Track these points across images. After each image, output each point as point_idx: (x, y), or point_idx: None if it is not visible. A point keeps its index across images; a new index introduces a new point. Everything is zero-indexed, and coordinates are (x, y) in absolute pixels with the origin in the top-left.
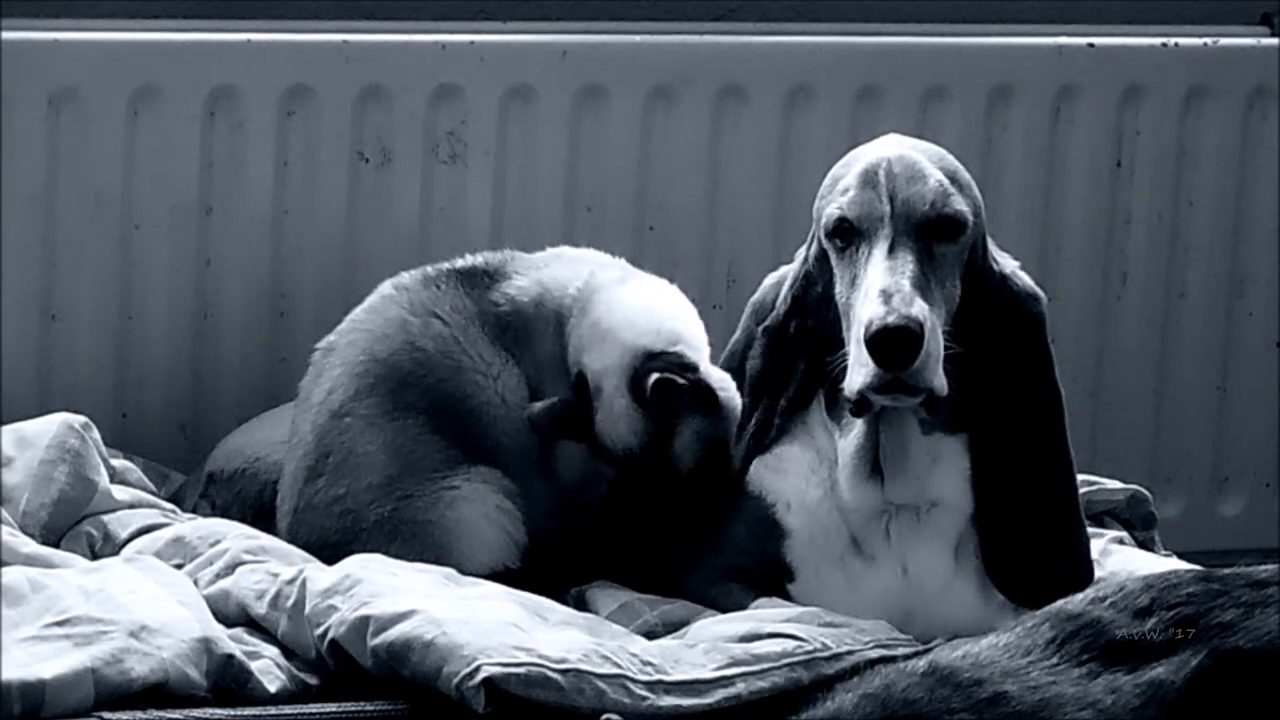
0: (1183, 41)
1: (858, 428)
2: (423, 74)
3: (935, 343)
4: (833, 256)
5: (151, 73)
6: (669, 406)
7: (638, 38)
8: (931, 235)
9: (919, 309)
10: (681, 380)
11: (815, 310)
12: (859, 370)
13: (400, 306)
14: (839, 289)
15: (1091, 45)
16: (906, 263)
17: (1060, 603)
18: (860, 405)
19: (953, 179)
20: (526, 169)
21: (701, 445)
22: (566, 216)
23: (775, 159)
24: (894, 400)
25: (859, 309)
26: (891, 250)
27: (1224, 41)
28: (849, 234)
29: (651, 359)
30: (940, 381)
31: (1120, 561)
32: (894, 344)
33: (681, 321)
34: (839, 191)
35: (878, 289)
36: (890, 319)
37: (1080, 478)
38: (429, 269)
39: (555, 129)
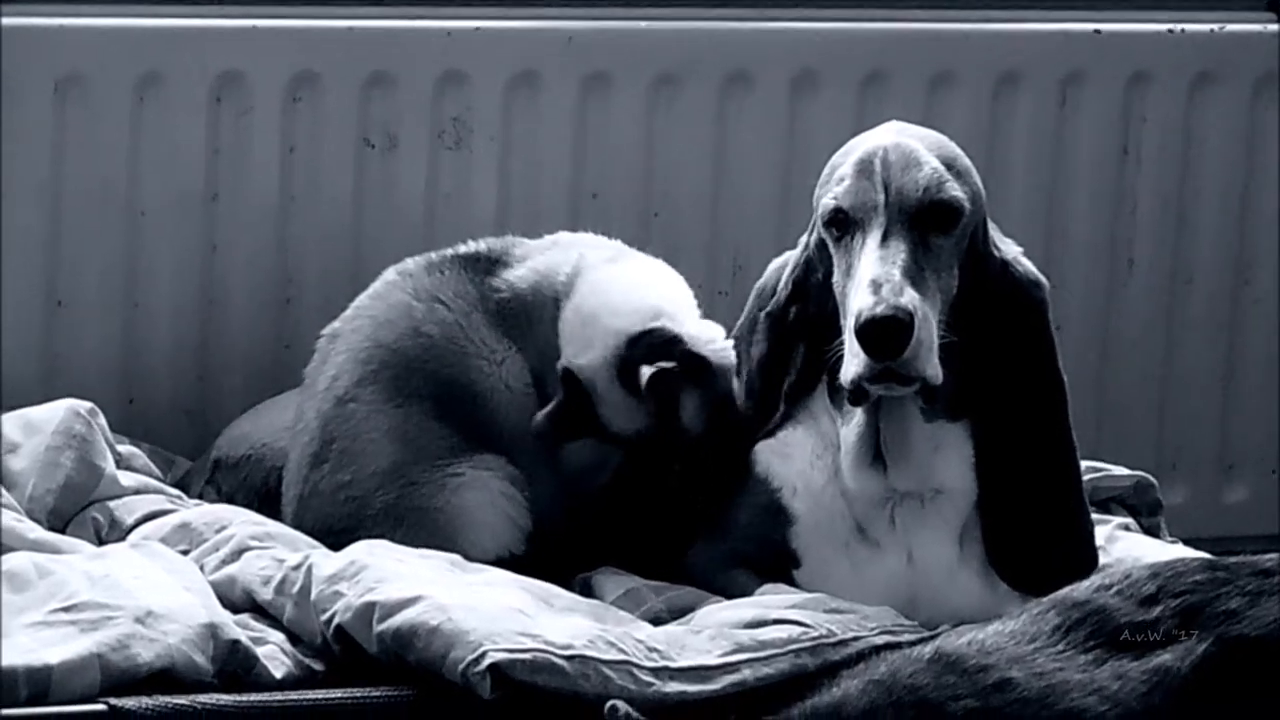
0: (1189, 28)
1: (858, 416)
2: (428, 60)
3: (927, 332)
4: (831, 246)
5: (157, 59)
6: (668, 392)
7: (643, 24)
8: (926, 223)
9: (909, 298)
10: (672, 365)
11: (816, 297)
12: (852, 360)
13: (405, 292)
14: (836, 278)
15: (1098, 31)
16: (899, 252)
17: (1066, 590)
18: (857, 394)
19: (950, 166)
20: (532, 155)
21: (706, 410)
22: (571, 203)
23: (781, 145)
24: (887, 390)
25: (851, 299)
26: (885, 239)
27: (1230, 28)
28: (845, 224)
29: (635, 344)
30: (934, 370)
31: (1126, 548)
32: (883, 334)
33: (657, 293)
34: (835, 181)
35: (868, 279)
36: (879, 309)
37: (1086, 464)
38: (433, 255)
39: (560, 115)
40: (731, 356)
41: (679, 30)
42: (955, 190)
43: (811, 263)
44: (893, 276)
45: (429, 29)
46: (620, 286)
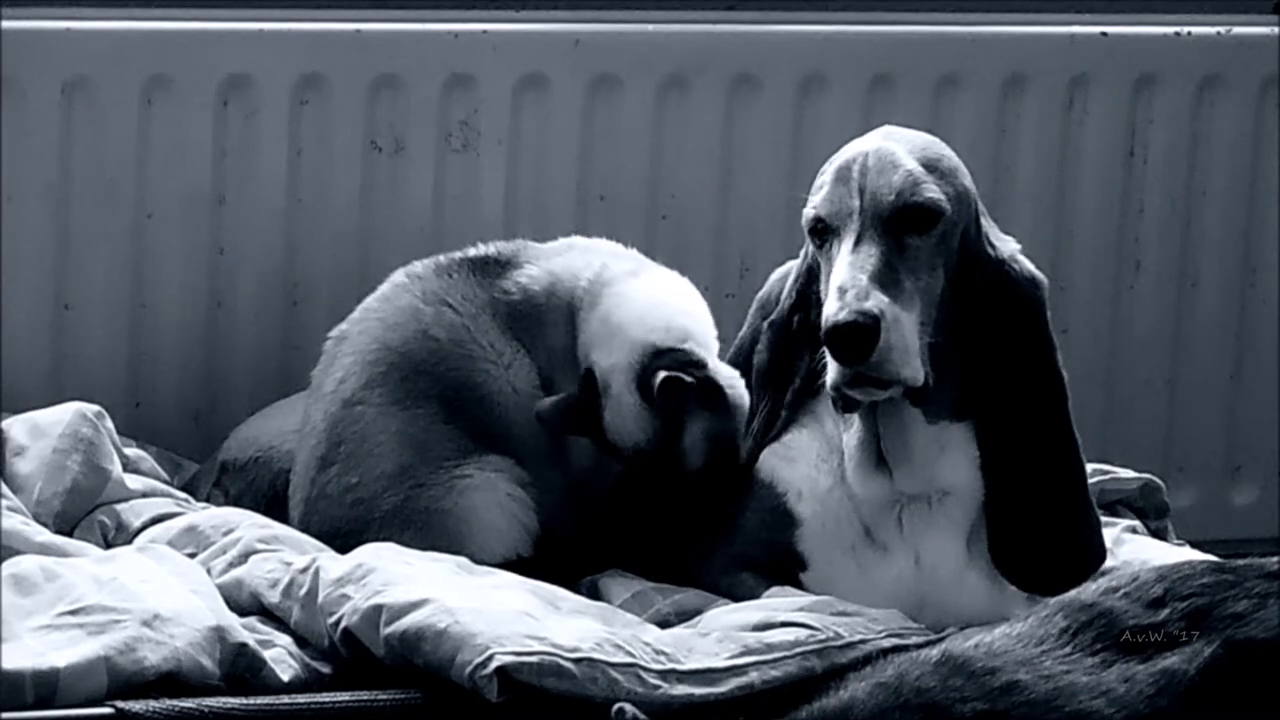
0: (1196, 30)
1: (858, 420)
2: (435, 63)
3: (898, 335)
4: (817, 254)
5: (164, 62)
6: (677, 404)
7: (650, 26)
8: (901, 226)
9: (874, 302)
10: (689, 378)
11: (817, 304)
12: (830, 366)
13: (413, 295)
14: (822, 285)
15: (1105, 34)
16: (869, 257)
17: (1073, 592)
18: (845, 401)
19: (932, 168)
20: (539, 158)
21: (709, 442)
22: (579, 206)
23: (788, 148)
24: (865, 394)
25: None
26: (857, 244)
27: (1237, 30)
28: (824, 231)
29: (659, 356)
30: (911, 372)
31: (1133, 551)
32: (846, 339)
33: (692, 318)
34: (816, 189)
35: (836, 285)
36: (841, 315)
37: (1093, 466)
38: (441, 258)
39: (568, 118)
40: (747, 400)
41: (686, 33)
42: (931, 192)
43: (813, 270)
44: (859, 281)
45: (436, 32)
46: (653, 301)
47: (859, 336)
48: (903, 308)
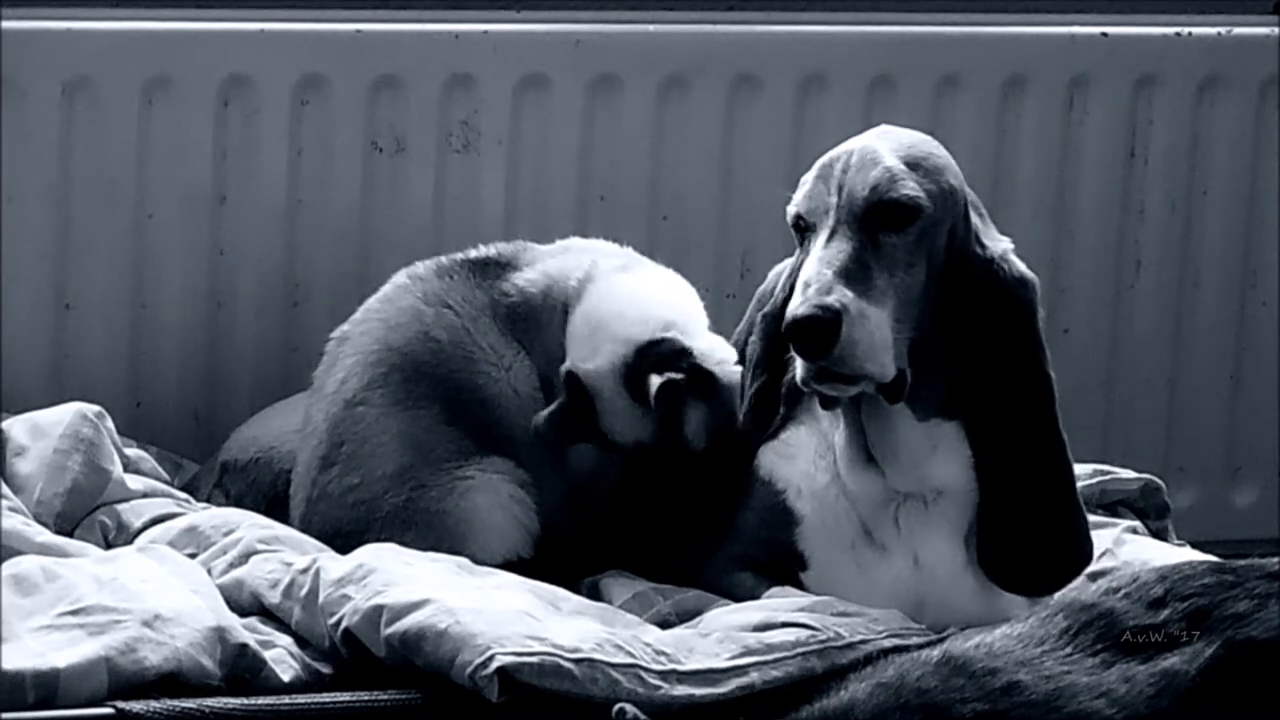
0: (1196, 31)
1: (844, 418)
2: (436, 63)
3: (863, 330)
4: (800, 250)
5: (165, 62)
6: (674, 404)
7: (651, 27)
8: (876, 223)
9: (837, 296)
10: (680, 377)
11: None
12: (797, 362)
13: (415, 296)
14: None
15: (1105, 35)
16: (839, 252)
17: (1074, 593)
18: (819, 396)
19: (915, 166)
20: (540, 158)
21: (709, 426)
22: (580, 206)
23: (789, 148)
24: (833, 389)
25: None
26: (829, 240)
27: (1237, 31)
28: (804, 228)
29: (643, 353)
30: (877, 368)
31: (1134, 551)
32: (805, 333)
33: (669, 304)
34: (800, 186)
35: (802, 280)
36: (800, 310)
37: (1093, 466)
38: (443, 259)
39: (568, 118)
40: (737, 373)
41: (687, 33)
42: (908, 189)
43: None
44: (824, 276)
45: (436, 32)
46: (632, 295)
47: (818, 331)
48: (871, 303)
